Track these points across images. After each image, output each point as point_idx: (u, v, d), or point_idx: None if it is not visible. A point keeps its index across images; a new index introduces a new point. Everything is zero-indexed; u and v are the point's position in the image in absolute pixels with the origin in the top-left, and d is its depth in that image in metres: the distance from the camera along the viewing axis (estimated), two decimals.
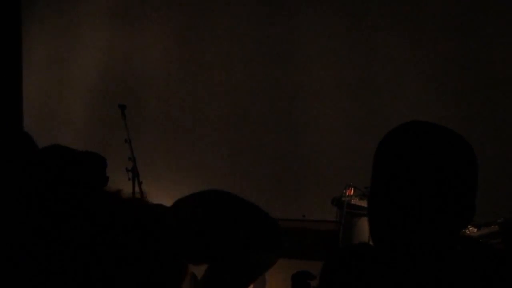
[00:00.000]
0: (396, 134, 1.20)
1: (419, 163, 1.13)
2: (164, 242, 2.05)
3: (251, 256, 3.57)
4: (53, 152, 2.13)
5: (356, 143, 5.00)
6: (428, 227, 1.12)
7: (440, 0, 4.94)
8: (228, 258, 3.57)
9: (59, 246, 1.91)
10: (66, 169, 2.09)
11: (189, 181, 5.12)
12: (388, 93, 5.05)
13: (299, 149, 5.27)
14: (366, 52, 5.10)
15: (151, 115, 5.73)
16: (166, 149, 5.68)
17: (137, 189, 4.25)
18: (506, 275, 1.12)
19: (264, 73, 5.40)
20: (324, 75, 5.23)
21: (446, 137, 1.17)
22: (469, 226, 3.55)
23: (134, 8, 5.85)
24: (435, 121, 1.20)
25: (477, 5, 4.84)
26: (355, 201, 4.19)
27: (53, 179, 2.06)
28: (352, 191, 4.23)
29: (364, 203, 4.09)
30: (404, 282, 1.15)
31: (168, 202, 4.36)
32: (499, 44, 4.78)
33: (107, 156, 2.27)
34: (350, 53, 5.16)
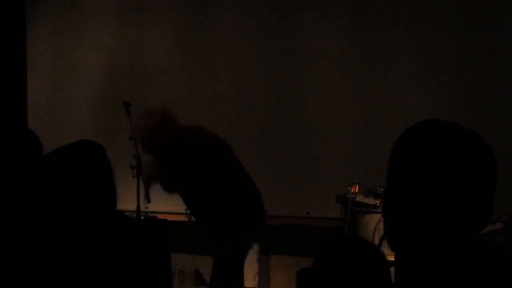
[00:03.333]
0: (414, 132, 1.18)
1: (439, 163, 1.11)
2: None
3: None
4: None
5: (361, 140, 4.98)
6: (446, 228, 1.11)
7: None
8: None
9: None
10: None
11: None
12: (393, 92, 5.03)
13: (303, 146, 5.26)
14: (371, 50, 5.08)
15: None
16: None
17: (141, 186, 4.24)
18: (511, 273, 1.12)
19: (268, 70, 5.40)
20: (328, 73, 5.22)
21: (465, 136, 1.15)
22: None
23: (139, 6, 5.85)
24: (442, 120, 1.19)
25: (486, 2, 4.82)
26: (360, 198, 4.17)
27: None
28: (357, 188, 4.22)
29: (368, 200, 4.08)
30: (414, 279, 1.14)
31: (171, 200, 4.37)
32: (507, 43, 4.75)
33: (111, 153, 2.26)
34: (355, 51, 5.14)
